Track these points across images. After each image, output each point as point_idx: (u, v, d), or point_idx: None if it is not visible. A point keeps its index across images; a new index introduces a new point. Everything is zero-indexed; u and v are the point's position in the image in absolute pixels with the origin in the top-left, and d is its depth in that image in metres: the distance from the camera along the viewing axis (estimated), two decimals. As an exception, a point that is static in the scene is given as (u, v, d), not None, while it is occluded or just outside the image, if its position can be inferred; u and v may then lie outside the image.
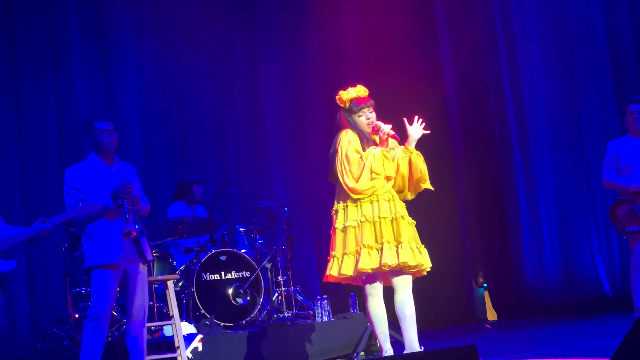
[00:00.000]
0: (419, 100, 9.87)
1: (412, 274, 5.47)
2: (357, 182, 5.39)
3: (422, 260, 5.41)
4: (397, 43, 10.05)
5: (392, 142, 5.57)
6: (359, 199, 5.41)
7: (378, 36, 10.01)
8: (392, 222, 5.39)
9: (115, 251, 5.57)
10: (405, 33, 10.15)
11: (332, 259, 5.50)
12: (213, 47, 9.74)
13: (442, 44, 10.51)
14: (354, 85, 5.64)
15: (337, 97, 5.63)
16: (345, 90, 5.63)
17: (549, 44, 10.32)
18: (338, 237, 5.48)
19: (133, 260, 5.69)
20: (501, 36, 10.32)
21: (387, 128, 5.52)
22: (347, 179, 5.40)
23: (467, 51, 10.34)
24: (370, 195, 5.40)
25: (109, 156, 5.84)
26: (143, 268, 5.77)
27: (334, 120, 5.70)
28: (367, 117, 5.57)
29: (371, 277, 5.43)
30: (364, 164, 5.39)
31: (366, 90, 5.64)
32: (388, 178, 5.44)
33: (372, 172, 5.37)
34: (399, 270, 5.38)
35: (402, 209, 5.47)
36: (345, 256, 5.39)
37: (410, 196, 5.59)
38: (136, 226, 5.61)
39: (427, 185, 5.58)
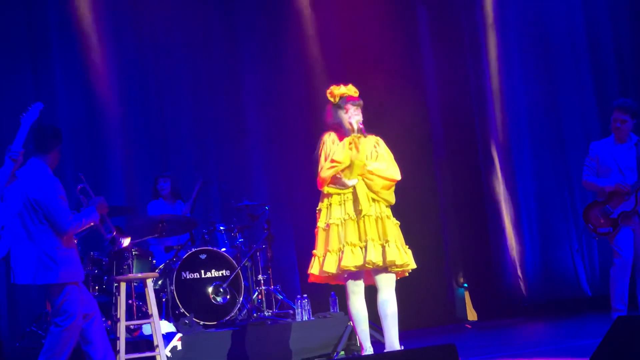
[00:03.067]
0: (400, 100, 9.88)
1: (396, 273, 5.47)
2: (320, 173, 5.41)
3: (408, 259, 5.42)
4: (379, 43, 10.05)
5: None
6: (343, 198, 5.40)
7: (360, 36, 10.00)
8: (376, 221, 5.39)
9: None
10: (387, 33, 10.14)
11: (314, 257, 5.49)
12: (193, 44, 9.69)
13: (424, 45, 10.52)
14: (345, 84, 5.66)
15: (328, 90, 5.67)
16: (337, 85, 5.65)
17: (529, 45, 10.34)
18: (320, 236, 5.47)
19: None
20: (483, 38, 10.34)
21: (354, 120, 5.51)
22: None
23: (449, 52, 10.36)
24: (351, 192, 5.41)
25: None
26: None
27: (316, 118, 5.72)
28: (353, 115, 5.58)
29: (354, 275, 5.42)
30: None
31: (357, 91, 5.69)
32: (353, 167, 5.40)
33: (331, 160, 5.37)
34: (384, 268, 5.38)
35: (386, 209, 5.48)
36: (328, 254, 5.37)
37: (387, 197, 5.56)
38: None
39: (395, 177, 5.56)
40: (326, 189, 5.45)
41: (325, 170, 5.41)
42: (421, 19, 10.55)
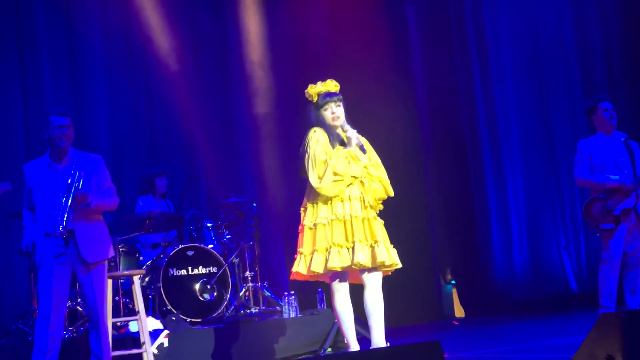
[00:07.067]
0: (388, 98, 9.89)
1: (383, 271, 5.47)
2: (320, 182, 5.36)
3: (396, 259, 5.41)
4: (367, 45, 10.04)
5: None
6: (330, 198, 5.39)
7: (348, 39, 10.00)
8: (363, 221, 5.37)
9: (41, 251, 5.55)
10: (375, 35, 10.14)
11: (299, 255, 5.47)
12: (182, 39, 9.67)
13: (413, 47, 10.53)
14: (324, 80, 5.63)
15: (305, 91, 5.64)
16: (314, 84, 5.62)
17: (520, 48, 10.40)
18: (307, 235, 5.44)
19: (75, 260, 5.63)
20: (472, 40, 10.37)
21: (353, 134, 5.48)
22: (312, 179, 5.38)
23: (438, 54, 10.38)
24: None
25: (59, 153, 5.71)
26: (92, 267, 5.65)
27: (305, 115, 5.69)
28: (332, 111, 5.53)
29: (339, 274, 5.42)
30: (328, 165, 5.37)
31: (337, 84, 5.64)
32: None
33: (333, 173, 5.35)
34: (372, 268, 5.37)
35: (372, 210, 5.46)
36: (315, 253, 5.35)
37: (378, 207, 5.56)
38: (61, 227, 5.45)
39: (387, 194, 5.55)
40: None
41: (330, 184, 5.33)
42: (410, 16, 10.55)
